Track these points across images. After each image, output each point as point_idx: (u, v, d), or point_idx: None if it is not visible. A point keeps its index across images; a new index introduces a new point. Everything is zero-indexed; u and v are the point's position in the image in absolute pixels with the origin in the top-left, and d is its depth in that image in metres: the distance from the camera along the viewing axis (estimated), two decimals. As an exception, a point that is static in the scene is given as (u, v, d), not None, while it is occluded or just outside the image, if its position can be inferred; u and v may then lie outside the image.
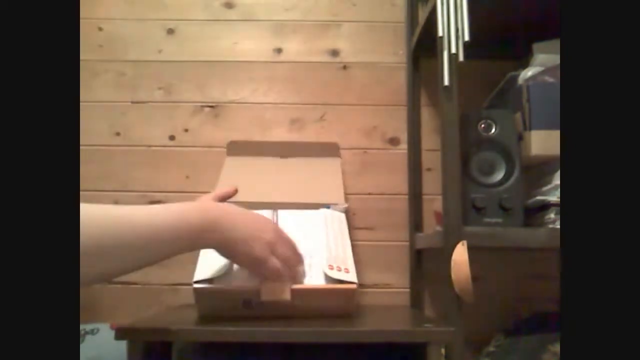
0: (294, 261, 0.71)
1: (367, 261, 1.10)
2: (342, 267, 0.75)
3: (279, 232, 0.70)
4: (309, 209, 0.87)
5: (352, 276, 0.74)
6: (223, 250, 0.66)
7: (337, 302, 0.74)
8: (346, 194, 1.10)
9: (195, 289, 0.71)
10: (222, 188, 0.85)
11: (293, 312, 0.72)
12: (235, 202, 0.75)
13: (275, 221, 0.82)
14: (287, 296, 0.70)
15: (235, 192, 0.85)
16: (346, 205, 0.94)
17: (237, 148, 1.07)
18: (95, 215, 0.51)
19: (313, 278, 0.75)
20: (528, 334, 0.89)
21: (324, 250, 0.78)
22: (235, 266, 0.73)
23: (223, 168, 1.02)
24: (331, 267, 0.74)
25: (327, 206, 0.91)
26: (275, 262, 0.67)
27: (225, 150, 1.11)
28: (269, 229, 0.68)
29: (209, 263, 0.73)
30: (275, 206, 0.86)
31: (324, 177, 1.01)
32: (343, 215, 0.90)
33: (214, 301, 0.72)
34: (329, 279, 0.74)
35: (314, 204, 0.89)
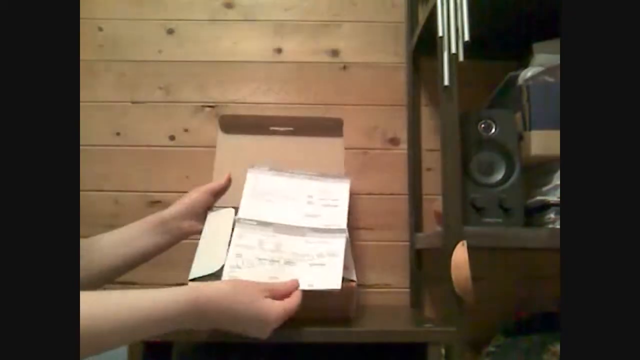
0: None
1: (367, 261, 1.09)
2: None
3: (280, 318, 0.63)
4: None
5: (350, 274, 0.72)
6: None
7: (336, 302, 0.72)
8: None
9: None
10: (216, 180, 0.84)
11: None
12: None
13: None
14: None
15: (229, 183, 0.83)
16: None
17: (231, 123, 0.95)
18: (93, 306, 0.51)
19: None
20: (528, 334, 0.89)
21: None
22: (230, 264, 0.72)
23: (217, 148, 0.94)
24: None
25: None
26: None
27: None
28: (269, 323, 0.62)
29: (204, 261, 0.73)
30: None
31: (326, 166, 0.90)
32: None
33: None
34: None
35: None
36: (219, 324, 0.60)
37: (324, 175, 0.81)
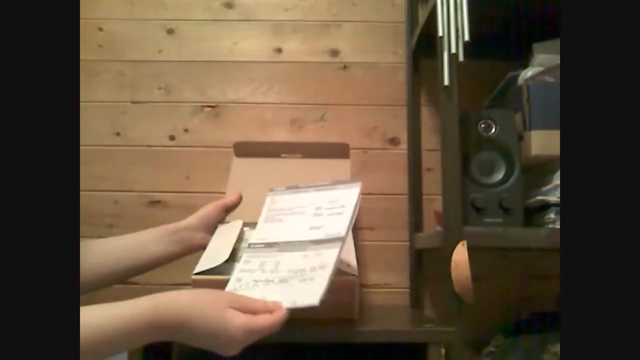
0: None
1: (367, 261, 1.10)
2: (343, 261, 0.72)
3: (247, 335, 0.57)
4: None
5: (353, 269, 0.72)
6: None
7: (338, 297, 0.71)
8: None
9: (194, 280, 0.70)
10: (227, 197, 0.85)
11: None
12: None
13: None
14: None
15: (240, 199, 0.84)
16: None
17: (245, 149, 1.03)
18: None
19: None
20: (528, 334, 0.89)
21: None
22: (238, 259, 0.72)
23: (231, 171, 1.00)
24: None
25: None
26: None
27: (225, 150, 1.11)
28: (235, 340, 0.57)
29: (209, 258, 0.73)
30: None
31: None
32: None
33: None
34: None
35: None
36: (179, 338, 0.56)
37: (334, 183, 0.79)
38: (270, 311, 0.59)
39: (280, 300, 0.62)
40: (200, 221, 0.81)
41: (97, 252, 0.75)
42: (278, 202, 0.80)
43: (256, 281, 0.68)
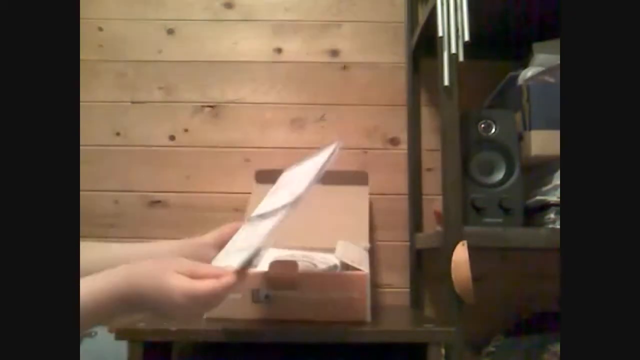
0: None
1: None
2: (356, 261, 0.75)
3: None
4: (331, 252, 0.83)
5: (361, 265, 0.73)
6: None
7: (348, 293, 0.72)
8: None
9: None
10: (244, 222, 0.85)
11: (302, 309, 0.71)
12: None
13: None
14: (294, 272, 0.70)
15: (236, 230, 0.84)
16: (369, 246, 0.92)
17: (265, 176, 1.03)
18: None
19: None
20: (528, 334, 0.89)
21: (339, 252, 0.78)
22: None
23: (250, 197, 1.01)
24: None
25: None
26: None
27: (225, 150, 1.12)
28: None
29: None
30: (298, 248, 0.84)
31: (350, 213, 0.97)
32: (365, 253, 0.89)
33: None
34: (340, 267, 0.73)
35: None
36: (143, 311, 0.57)
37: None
38: (217, 276, 0.57)
39: (233, 265, 0.59)
40: (215, 240, 0.81)
41: (98, 260, 0.75)
42: (284, 177, 0.80)
43: (227, 251, 0.68)
